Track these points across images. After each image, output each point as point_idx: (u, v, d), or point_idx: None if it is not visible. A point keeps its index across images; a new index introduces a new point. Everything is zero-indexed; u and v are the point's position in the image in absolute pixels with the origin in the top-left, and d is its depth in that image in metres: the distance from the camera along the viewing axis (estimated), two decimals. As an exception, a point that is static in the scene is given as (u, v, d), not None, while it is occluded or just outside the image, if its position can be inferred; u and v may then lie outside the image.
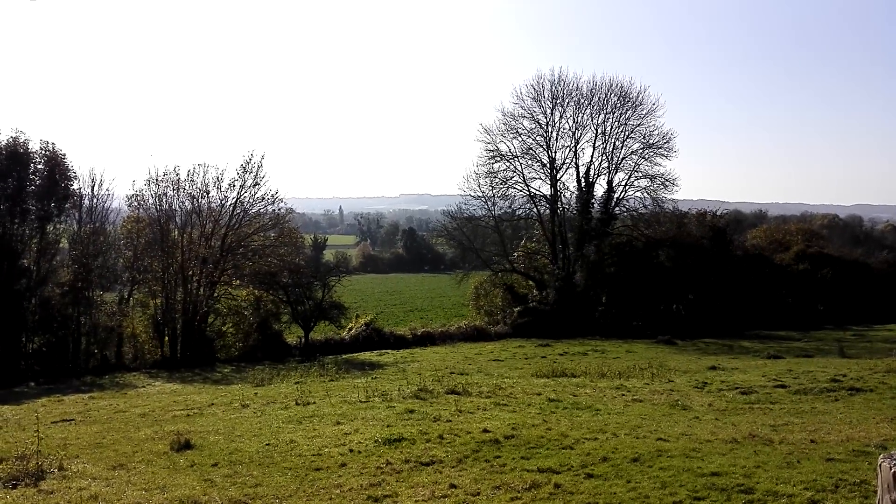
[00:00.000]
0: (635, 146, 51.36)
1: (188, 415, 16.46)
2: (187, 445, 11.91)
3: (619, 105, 51.12)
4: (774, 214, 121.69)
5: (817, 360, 27.92)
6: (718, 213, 56.60)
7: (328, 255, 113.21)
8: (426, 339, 42.31)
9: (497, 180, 52.44)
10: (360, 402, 16.01)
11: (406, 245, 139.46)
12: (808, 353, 31.66)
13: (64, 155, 36.91)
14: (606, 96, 51.15)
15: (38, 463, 10.45)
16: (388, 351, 38.65)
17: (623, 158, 51.41)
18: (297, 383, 23.06)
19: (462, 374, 24.52)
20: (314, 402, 16.46)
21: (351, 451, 10.88)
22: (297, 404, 16.27)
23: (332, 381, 23.72)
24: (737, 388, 18.19)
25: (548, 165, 51.83)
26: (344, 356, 37.21)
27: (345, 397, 17.05)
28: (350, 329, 43.31)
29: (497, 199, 53.21)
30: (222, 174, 40.68)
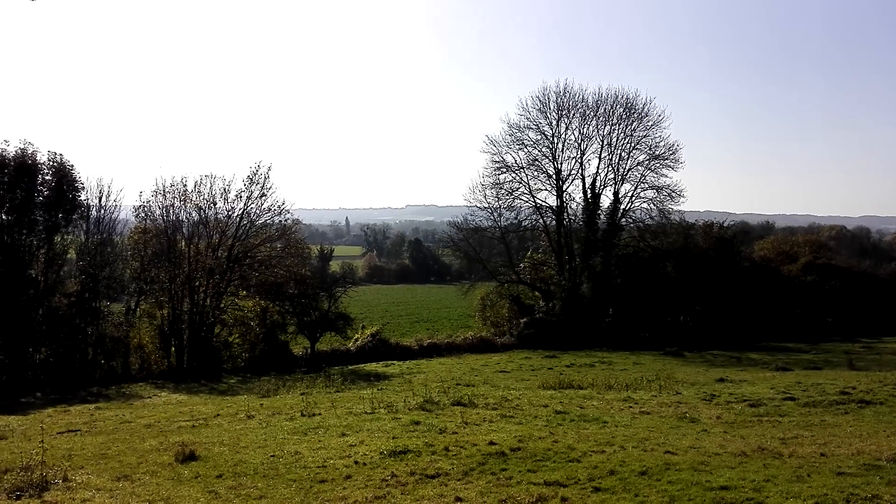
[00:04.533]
0: (641, 157, 51.36)
1: (193, 426, 16.42)
2: (192, 457, 11.85)
3: (624, 116, 51.16)
4: (782, 226, 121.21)
5: (826, 372, 27.69)
6: (725, 224, 56.43)
7: (334, 265, 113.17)
8: (432, 350, 42.20)
9: (503, 191, 52.49)
10: (366, 413, 15.93)
11: (412, 256, 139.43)
12: (816, 365, 31.41)
13: (72, 166, 37.08)
14: (612, 108, 51.21)
15: (42, 474, 10.41)
16: (395, 362, 38.56)
17: (629, 170, 51.39)
18: (302, 394, 23.01)
19: (468, 386, 24.41)
20: (320, 414, 16.39)
21: (356, 462, 10.81)
22: (302, 415, 16.21)
23: (337, 392, 23.66)
24: (745, 400, 18.04)
25: (554, 177, 51.84)
26: (350, 367, 37.15)
27: (350, 409, 16.98)
28: (356, 340, 43.26)
29: (503, 211, 53.26)
30: (229, 185, 40.83)
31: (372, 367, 36.87)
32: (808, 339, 44.93)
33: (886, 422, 14.30)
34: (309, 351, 41.05)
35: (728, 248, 51.32)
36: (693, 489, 8.56)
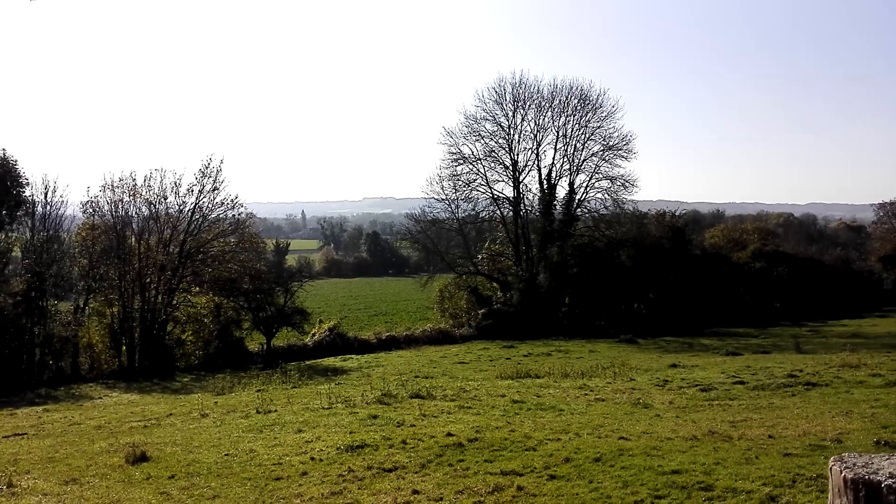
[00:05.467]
0: (596, 148, 52.05)
1: (145, 426, 16.06)
2: (143, 458, 11.59)
3: (579, 108, 51.74)
4: (731, 214, 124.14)
5: (775, 355, 28.50)
6: (677, 213, 57.62)
7: (291, 260, 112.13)
8: (391, 344, 42.12)
9: (460, 183, 52.64)
10: (323, 408, 15.80)
11: (370, 249, 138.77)
12: (765, 349, 32.32)
13: (15, 161, 35.97)
14: (567, 99, 51.74)
15: (-15, 480, 10.06)
16: (353, 356, 38.37)
17: (584, 160, 52.05)
18: (258, 391, 22.69)
19: (427, 378, 24.42)
20: (276, 410, 16.19)
21: (312, 459, 10.70)
22: (257, 413, 15.99)
23: (294, 388, 23.42)
24: (697, 385, 18.43)
25: (510, 168, 52.17)
26: (307, 362, 36.83)
27: (307, 404, 16.81)
28: (313, 335, 42.91)
29: (460, 202, 53.44)
30: (180, 179, 40.05)
31: (330, 361, 36.62)
32: (757, 323, 46.22)
33: (831, 403, 14.76)
34: (265, 347, 40.57)
35: (680, 236, 52.41)
36: (646, 474, 8.71)
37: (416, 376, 25.37)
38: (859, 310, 53.04)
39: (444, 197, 52.45)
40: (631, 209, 52.71)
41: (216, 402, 19.47)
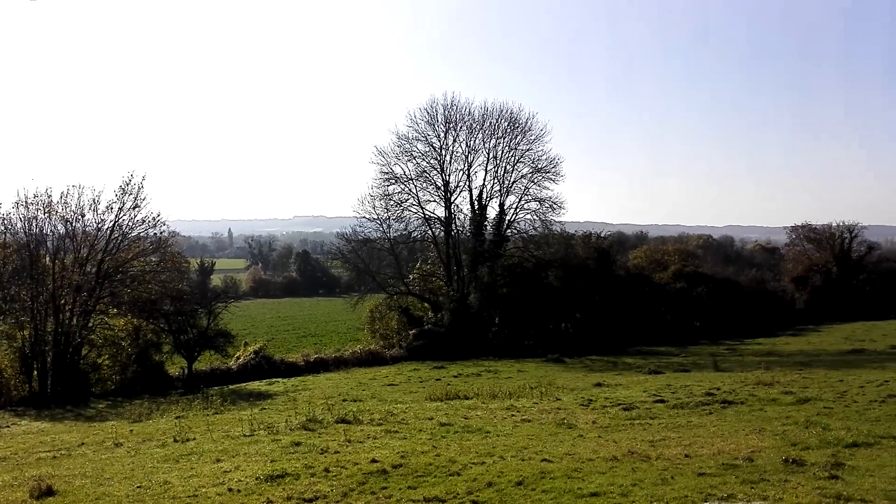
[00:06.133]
0: (525, 170, 52.97)
1: (54, 457, 15.23)
2: (49, 492, 10.95)
3: (509, 130, 52.62)
4: (654, 235, 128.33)
5: (694, 374, 29.45)
6: (603, 234, 59.18)
7: (216, 279, 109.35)
8: (319, 366, 41.39)
9: (392, 202, 52.60)
10: (244, 436, 15.34)
11: (300, 268, 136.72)
12: (685, 367, 33.36)
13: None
14: (497, 122, 52.56)
15: None
16: (279, 379, 37.51)
17: (514, 182, 52.87)
18: (177, 418, 21.88)
19: (355, 402, 24.10)
20: (194, 439, 15.63)
21: (230, 490, 10.35)
22: (175, 441, 15.40)
23: (216, 414, 22.69)
24: (619, 404, 18.84)
25: (442, 188, 52.50)
26: (231, 387, 35.78)
27: (228, 431, 16.30)
28: (238, 358, 41.76)
29: (392, 222, 53.34)
30: (99, 196, 38.40)
31: (255, 385, 35.68)
32: (678, 342, 47.72)
33: (746, 420, 15.33)
34: (186, 371, 39.22)
35: (605, 257, 53.75)
36: (565, 497, 8.80)
37: (344, 400, 25.00)
38: (774, 328, 55.51)
39: (375, 216, 52.34)
40: (559, 230, 53.76)
41: (132, 431, 18.68)
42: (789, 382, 22.57)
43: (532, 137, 52.70)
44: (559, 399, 21.02)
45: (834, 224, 74.51)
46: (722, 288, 57.71)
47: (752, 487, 8.94)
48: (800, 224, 77.72)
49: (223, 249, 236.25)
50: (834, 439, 11.71)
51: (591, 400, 20.06)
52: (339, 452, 12.61)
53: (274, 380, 37.57)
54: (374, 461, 11.51)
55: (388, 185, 52.53)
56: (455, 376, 34.19)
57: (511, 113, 52.70)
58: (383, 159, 52.43)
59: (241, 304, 74.99)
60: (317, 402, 24.10)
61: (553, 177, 52.73)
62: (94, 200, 38.16)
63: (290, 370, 40.53)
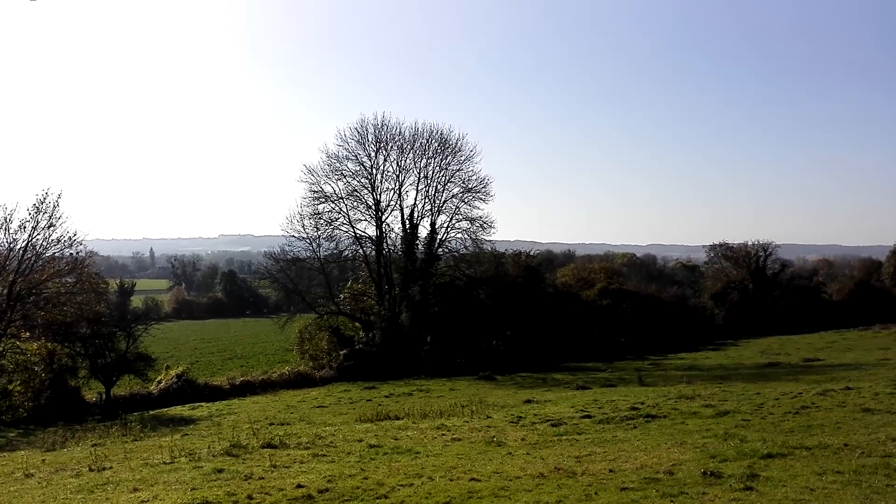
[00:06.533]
0: (455, 190, 53.40)
1: (-45, 493, 14.21)
2: (-54, 532, 10.22)
3: (439, 151, 53.01)
4: (581, 254, 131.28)
5: (620, 389, 30.14)
6: (532, 253, 60.20)
7: (136, 301, 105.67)
8: (245, 389, 40.26)
9: (322, 221, 52.04)
10: (164, 463, 14.73)
11: (226, 289, 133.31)
12: (612, 382, 34.13)
13: None
14: (428, 142, 52.89)
15: None
16: (203, 404, 36.28)
17: (444, 201, 53.19)
18: (94, 446, 20.83)
19: (282, 425, 23.55)
20: (111, 467, 14.91)
21: (147, 521, 9.90)
22: (90, 470, 14.64)
23: (135, 441, 21.73)
24: (548, 420, 19.08)
25: (373, 207, 52.31)
26: (152, 412, 34.40)
27: (147, 459, 15.63)
28: (159, 382, 40.22)
29: (322, 241, 52.76)
30: (11, 215, 36.56)
31: (177, 410, 34.40)
32: (605, 358, 48.81)
33: (668, 434, 15.76)
34: (104, 396, 37.49)
35: (534, 275, 54.64)
36: (493, 516, 8.81)
37: (271, 423, 24.39)
38: (695, 343, 57.53)
39: (305, 235, 51.62)
40: (489, 249, 54.33)
41: (44, 460, 17.68)
42: (709, 396, 23.37)
43: (462, 158, 53.32)
44: (490, 417, 21.12)
45: (750, 243, 78.20)
46: (646, 304, 59.53)
47: (672, 501, 9.18)
48: (718, 243, 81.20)
49: (144, 269, 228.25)
50: (750, 451, 12.15)
51: (520, 417, 20.24)
52: (263, 478, 12.26)
53: (197, 404, 36.31)
54: (299, 486, 11.24)
55: (317, 204, 52.04)
56: (386, 396, 33.90)
57: (441, 133, 53.23)
58: (313, 178, 51.94)
59: (164, 326, 72.59)
60: (242, 426, 23.42)
61: (483, 196, 53.38)
62: (5, 219, 36.37)
63: (214, 394, 39.27)
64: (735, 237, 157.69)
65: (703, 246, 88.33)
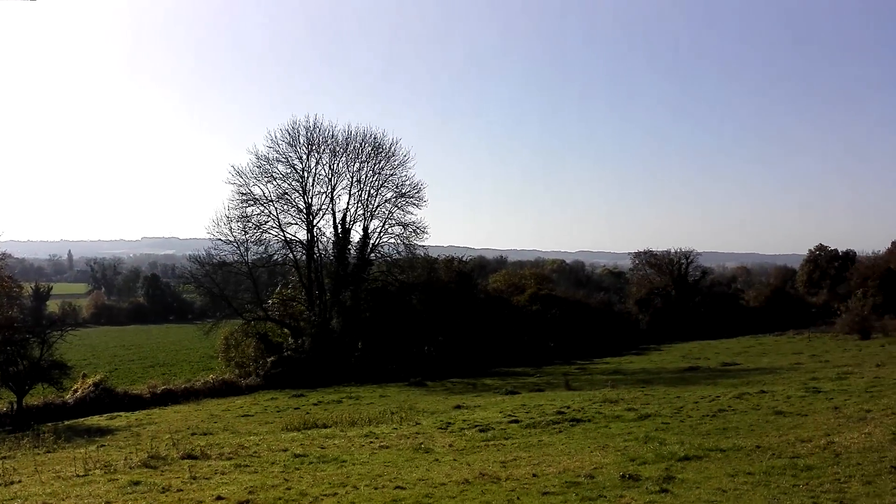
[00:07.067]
0: (389, 195, 53.12)
1: None
2: None
3: (373, 155, 52.67)
4: (513, 260, 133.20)
5: (547, 393, 30.67)
6: (465, 259, 60.63)
7: (53, 305, 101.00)
8: (167, 398, 38.87)
9: (250, 224, 50.81)
10: (78, 476, 14.08)
11: (148, 293, 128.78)
12: (540, 387, 34.67)
13: None
14: (361, 146, 52.47)
15: None
16: (122, 413, 34.85)
17: (378, 206, 52.86)
18: (2, 458, 19.71)
19: (205, 435, 22.89)
20: (20, 481, 14.14)
21: (55, 538, 9.44)
22: (-5, 486, 13.85)
23: (47, 452, 20.68)
24: (476, 426, 19.22)
25: (304, 211, 51.52)
26: (67, 422, 32.81)
27: (59, 472, 14.89)
28: (75, 391, 38.42)
29: (251, 244, 51.50)
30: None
31: (94, 420, 32.95)
32: (534, 363, 49.54)
33: (592, 438, 16.12)
34: (15, 406, 35.53)
35: (467, 281, 55.03)
36: (417, 524, 8.79)
37: (193, 434, 23.67)
38: (620, 348, 59.10)
39: (232, 239, 50.24)
40: (422, 254, 54.31)
41: (-57, 477, 16.59)
42: (633, 399, 24.05)
43: (396, 163, 53.12)
44: (419, 423, 21.12)
45: (672, 250, 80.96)
46: (574, 310, 60.79)
47: (591, 504, 9.38)
48: (642, 250, 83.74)
49: (62, 273, 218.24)
50: (668, 454, 12.56)
51: (449, 423, 20.32)
52: (182, 490, 11.88)
53: (116, 414, 34.86)
54: (219, 498, 10.95)
55: (246, 207, 50.80)
56: (315, 404, 33.40)
57: (375, 138, 52.92)
58: (241, 179, 50.67)
59: (81, 332, 69.62)
60: (162, 436, 22.65)
61: (416, 202, 53.31)
62: None
63: (134, 403, 37.77)
64: (658, 245, 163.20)
65: (629, 253, 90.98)
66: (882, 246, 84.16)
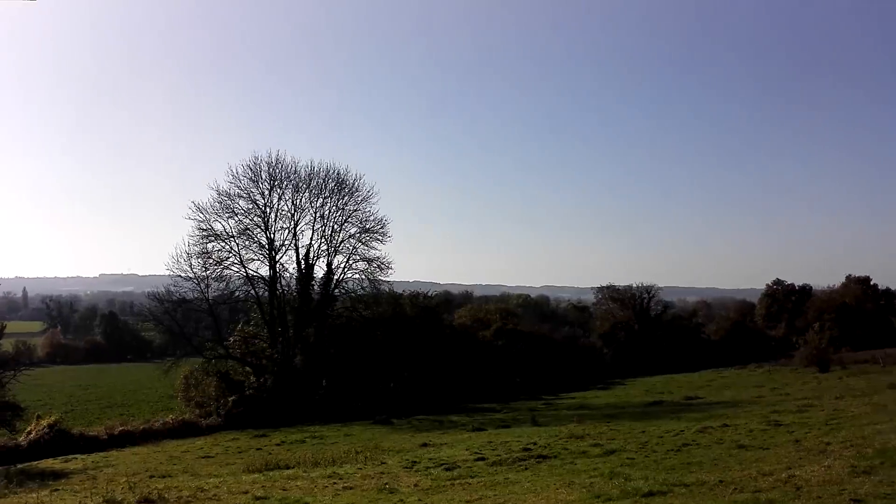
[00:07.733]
0: (353, 230, 52.90)
1: None
2: None
3: (336, 190, 52.59)
4: (479, 295, 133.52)
5: (514, 429, 30.54)
6: (430, 294, 60.60)
7: (6, 344, 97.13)
8: (125, 439, 37.67)
9: (211, 261, 50.00)
10: (28, 524, 13.57)
11: (106, 332, 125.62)
12: (506, 423, 34.51)
13: None
14: (324, 181, 52.36)
15: None
16: (78, 456, 33.63)
17: (342, 242, 52.57)
18: (-54, 508, 18.89)
19: (163, 478, 22.22)
20: (-35, 532, 13.57)
21: (3, 592, 9.04)
22: (-62, 537, 13.26)
23: (-3, 499, 19.88)
24: (443, 464, 19.04)
25: (266, 247, 50.99)
26: (19, 466, 31.50)
27: (8, 521, 14.34)
28: (29, 433, 37.04)
29: (212, 281, 50.53)
30: None
31: (48, 463, 31.75)
32: (500, 398, 49.38)
33: (558, 475, 16.09)
34: (-37, 451, 34.09)
35: (432, 316, 54.97)
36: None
37: (151, 476, 22.97)
38: (586, 383, 59.38)
39: (192, 275, 49.30)
40: (387, 290, 54.11)
41: None
42: (598, 434, 24.13)
43: (359, 198, 53.10)
44: (384, 462, 20.84)
45: (634, 285, 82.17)
46: (539, 344, 61.09)
47: (560, 542, 9.33)
48: (605, 285, 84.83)
49: (16, 311, 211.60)
50: (633, 490, 12.60)
51: (415, 462, 20.09)
52: (139, 537, 11.51)
53: (72, 456, 33.63)
54: (179, 545, 10.62)
55: (206, 243, 50.01)
56: (277, 444, 32.72)
57: (338, 173, 52.88)
58: (202, 215, 49.95)
59: (36, 371, 67.35)
60: (119, 479, 21.96)
61: (380, 237, 53.18)
62: None
63: (90, 445, 36.51)
64: (621, 279, 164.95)
65: (592, 288, 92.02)
66: (837, 280, 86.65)
